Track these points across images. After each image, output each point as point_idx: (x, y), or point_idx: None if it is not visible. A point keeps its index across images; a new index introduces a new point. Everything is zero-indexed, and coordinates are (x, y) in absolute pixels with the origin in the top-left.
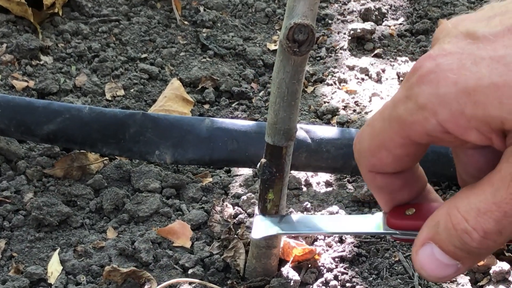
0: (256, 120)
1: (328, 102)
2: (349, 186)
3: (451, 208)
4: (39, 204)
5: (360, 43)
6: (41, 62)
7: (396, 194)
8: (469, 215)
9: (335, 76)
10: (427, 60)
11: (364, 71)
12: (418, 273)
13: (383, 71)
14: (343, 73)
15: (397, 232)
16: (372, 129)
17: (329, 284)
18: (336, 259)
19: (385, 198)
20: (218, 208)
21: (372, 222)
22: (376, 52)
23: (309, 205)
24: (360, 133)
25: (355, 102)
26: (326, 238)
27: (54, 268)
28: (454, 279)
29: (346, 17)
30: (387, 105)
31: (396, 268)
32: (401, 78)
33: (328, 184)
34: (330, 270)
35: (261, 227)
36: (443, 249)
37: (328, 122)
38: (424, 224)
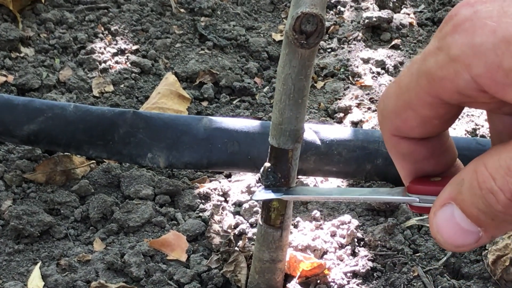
0: (259, 119)
1: (340, 99)
2: None
3: (479, 165)
4: (19, 212)
5: (376, 33)
6: (21, 55)
7: (421, 165)
8: (497, 174)
9: (347, 70)
10: (464, 6)
11: (380, 64)
12: (434, 238)
13: (401, 64)
14: (357, 67)
15: (417, 199)
16: (398, 86)
17: None
18: (348, 274)
19: (408, 168)
20: (217, 218)
21: (388, 192)
22: (393, 43)
23: (318, 214)
24: (386, 91)
25: (370, 99)
26: (337, 251)
27: (35, 284)
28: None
29: (360, 4)
30: (416, 59)
31: (414, 284)
32: None
33: None
34: (341, 286)
35: (263, 193)
36: (465, 212)
37: (339, 122)
38: (447, 183)
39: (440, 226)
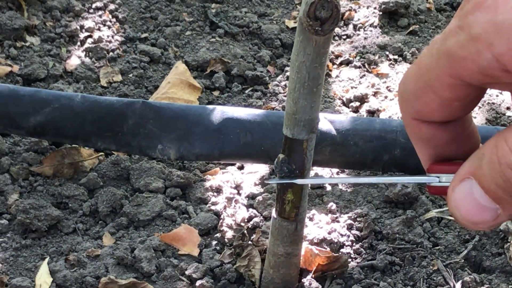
0: (273, 109)
1: (355, 88)
2: (380, 184)
3: (499, 139)
4: (26, 206)
5: (393, 19)
6: (27, 44)
7: (442, 150)
8: None
9: (363, 58)
10: None
11: (398, 51)
12: (452, 214)
13: (419, 51)
14: (373, 54)
15: (437, 178)
16: (419, 68)
17: None
18: (366, 268)
19: (429, 153)
20: (229, 211)
21: (407, 176)
22: (411, 29)
23: (334, 206)
24: (406, 73)
25: (387, 87)
26: (354, 244)
27: (43, 280)
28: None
29: None
30: (437, 39)
31: (434, 278)
32: None
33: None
34: (358, 281)
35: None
36: (483, 187)
37: (356, 111)
38: (468, 158)
39: (458, 202)
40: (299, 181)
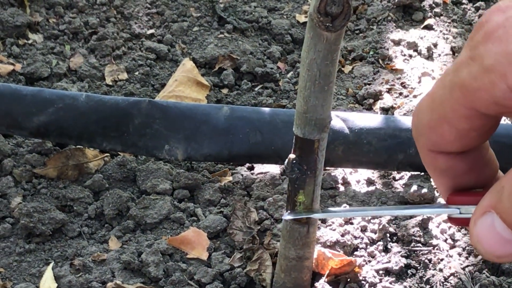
0: (283, 107)
1: (369, 84)
2: (395, 184)
3: None
4: (29, 210)
5: (408, 13)
6: (30, 41)
7: (460, 179)
8: None
9: (377, 53)
10: (495, 13)
11: (412, 46)
12: (475, 248)
13: (435, 45)
14: (387, 49)
15: (458, 210)
16: (432, 100)
17: None
18: (380, 272)
19: (447, 184)
20: (239, 213)
21: (427, 206)
22: (426, 23)
23: (347, 208)
24: (419, 105)
25: (402, 83)
26: (368, 247)
27: (47, 286)
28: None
29: None
30: (448, 70)
31: (451, 281)
32: (456, 54)
33: (369, 182)
34: (373, 285)
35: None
36: (505, 221)
37: (369, 108)
38: (488, 191)
39: (480, 236)
40: (316, 216)
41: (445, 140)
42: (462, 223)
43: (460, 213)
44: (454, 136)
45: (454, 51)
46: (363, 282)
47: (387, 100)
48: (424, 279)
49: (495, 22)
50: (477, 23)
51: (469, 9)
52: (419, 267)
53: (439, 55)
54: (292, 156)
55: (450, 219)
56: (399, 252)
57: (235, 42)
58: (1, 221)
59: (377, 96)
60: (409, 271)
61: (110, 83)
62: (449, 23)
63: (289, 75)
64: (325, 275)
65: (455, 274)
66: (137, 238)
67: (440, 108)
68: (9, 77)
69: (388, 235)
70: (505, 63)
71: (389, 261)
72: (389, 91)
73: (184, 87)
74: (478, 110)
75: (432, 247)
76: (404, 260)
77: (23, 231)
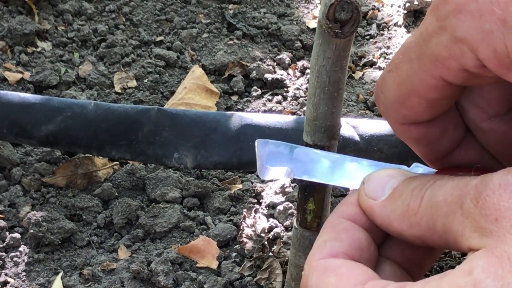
0: (293, 113)
1: None
2: None
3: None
4: (38, 219)
5: (418, 18)
6: (38, 49)
7: (436, 145)
8: None
9: (388, 59)
10: None
11: None
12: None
13: None
14: None
15: None
16: (397, 74)
17: None
18: None
19: (424, 150)
20: (249, 221)
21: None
22: None
23: None
24: (381, 82)
25: None
26: None
27: None
28: None
29: None
30: (410, 44)
31: None
32: None
33: None
34: None
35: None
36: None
37: (380, 115)
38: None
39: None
40: (293, 177)
41: (415, 112)
42: None
43: None
44: (424, 107)
45: None
46: None
47: None
48: None
49: None
50: None
51: None
52: (430, 275)
53: None
54: None
55: None
56: None
57: (244, 49)
58: (10, 230)
59: None
60: None
61: (119, 91)
62: None
63: (299, 81)
64: None
65: None
66: (146, 247)
67: (408, 81)
68: (18, 86)
69: None
70: (478, 38)
71: None
72: None
73: (193, 94)
74: (447, 79)
75: (443, 255)
76: None
77: (32, 241)
